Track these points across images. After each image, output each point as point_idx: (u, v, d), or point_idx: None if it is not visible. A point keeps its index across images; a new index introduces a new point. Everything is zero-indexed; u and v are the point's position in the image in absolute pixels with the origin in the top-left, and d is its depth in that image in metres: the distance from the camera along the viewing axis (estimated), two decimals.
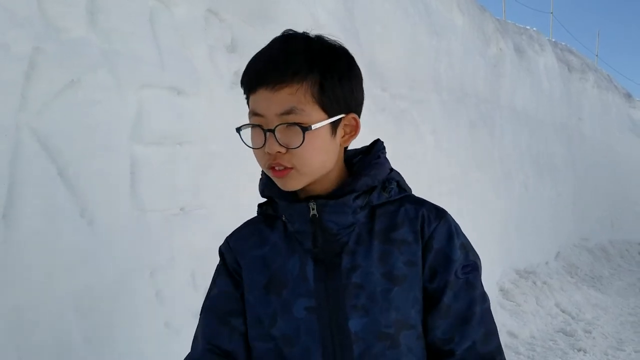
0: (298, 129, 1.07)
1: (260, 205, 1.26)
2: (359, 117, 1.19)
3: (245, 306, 1.20)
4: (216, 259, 1.28)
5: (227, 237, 1.28)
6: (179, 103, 2.68)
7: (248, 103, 1.15)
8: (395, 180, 1.21)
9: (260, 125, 1.10)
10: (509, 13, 25.94)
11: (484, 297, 1.19)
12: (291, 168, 1.10)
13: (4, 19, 1.89)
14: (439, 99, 6.29)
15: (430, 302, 1.17)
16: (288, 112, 1.08)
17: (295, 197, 1.18)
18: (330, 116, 1.11)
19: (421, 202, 1.22)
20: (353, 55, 1.21)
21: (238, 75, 3.10)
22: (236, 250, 1.24)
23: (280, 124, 1.08)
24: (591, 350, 5.72)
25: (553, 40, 13.70)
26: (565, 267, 9.89)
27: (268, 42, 1.19)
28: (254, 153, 1.14)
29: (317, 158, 1.12)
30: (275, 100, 1.08)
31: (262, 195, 1.24)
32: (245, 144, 1.15)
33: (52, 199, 2.07)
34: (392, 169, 1.23)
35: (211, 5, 2.94)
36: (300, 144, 1.07)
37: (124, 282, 2.31)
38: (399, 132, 4.86)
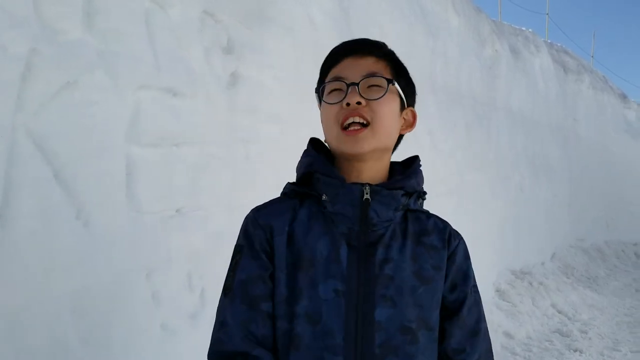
0: (382, 84, 1.20)
1: (292, 184, 1.28)
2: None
3: (275, 283, 1.19)
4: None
5: (252, 213, 1.26)
6: (176, 104, 2.67)
7: (323, 78, 1.28)
8: (425, 195, 1.30)
9: (340, 87, 1.20)
10: (504, 14, 26.04)
11: (484, 316, 1.28)
12: (366, 126, 1.17)
13: (0, 20, 1.89)
14: (435, 100, 6.29)
15: (449, 311, 1.23)
16: (372, 74, 1.20)
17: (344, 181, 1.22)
18: (399, 92, 1.24)
19: (446, 221, 1.32)
20: None
21: (234, 77, 3.13)
22: (267, 226, 1.22)
23: (364, 79, 1.19)
24: (587, 351, 5.75)
25: (549, 41, 13.74)
26: (561, 268, 9.93)
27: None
28: (325, 114, 1.22)
29: (389, 120, 1.21)
30: (362, 64, 1.21)
31: (305, 171, 1.26)
32: (325, 101, 1.24)
33: (48, 200, 2.06)
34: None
35: (207, 7, 2.94)
36: (382, 96, 1.19)
37: (120, 284, 2.31)
38: None
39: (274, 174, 2.83)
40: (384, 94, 1.18)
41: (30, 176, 2.00)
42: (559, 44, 14.01)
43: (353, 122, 1.17)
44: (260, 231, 1.22)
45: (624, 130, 15.62)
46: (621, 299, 8.87)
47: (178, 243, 2.64)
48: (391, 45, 1.30)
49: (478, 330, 1.24)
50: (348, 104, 1.16)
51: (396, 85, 1.21)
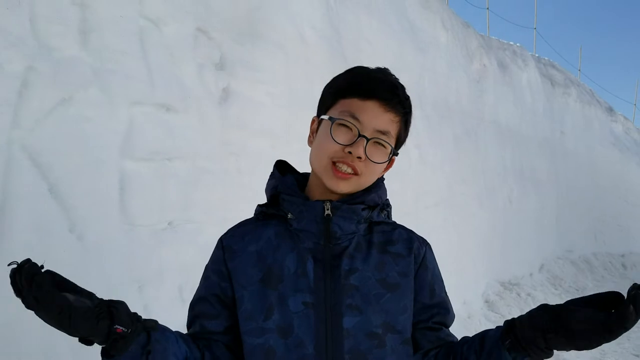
0: (387, 150, 1.25)
1: (260, 205, 1.34)
2: None
3: (237, 303, 1.25)
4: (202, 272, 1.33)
5: (220, 239, 1.33)
6: (169, 120, 2.73)
7: (335, 101, 1.28)
8: (389, 207, 1.35)
9: (352, 128, 1.22)
10: (492, 29, 26.26)
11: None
12: (355, 175, 1.23)
13: None
14: (423, 114, 6.35)
15: (430, 317, 1.30)
16: (384, 133, 1.23)
17: (306, 199, 1.28)
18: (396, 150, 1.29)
19: (410, 230, 1.35)
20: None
21: (226, 92, 3.19)
22: (228, 248, 1.29)
23: (374, 138, 1.22)
24: None
25: (536, 55, 13.83)
26: (550, 279, 9.97)
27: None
28: (324, 144, 1.25)
29: (376, 175, 1.29)
30: (382, 118, 1.23)
31: (272, 193, 1.32)
32: (331, 134, 1.24)
33: (43, 213, 2.11)
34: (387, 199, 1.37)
35: (200, 24, 3.00)
36: (381, 163, 1.25)
37: (113, 295, 2.32)
38: None
39: (264, 188, 2.87)
40: (384, 162, 1.25)
41: (25, 190, 2.05)
42: (546, 58, 14.11)
43: (344, 168, 1.22)
44: (220, 252, 1.30)
45: (611, 143, 15.70)
46: None
47: (170, 256, 2.68)
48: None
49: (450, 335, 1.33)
50: (350, 152, 1.20)
51: (394, 157, 1.29)
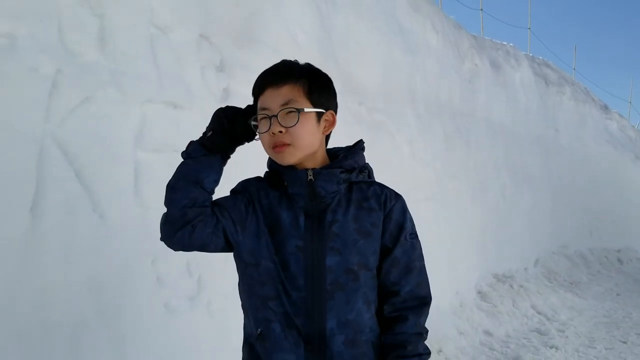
0: (295, 113, 1.53)
1: (267, 173, 1.70)
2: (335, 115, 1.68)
3: (248, 236, 1.60)
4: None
5: (244, 183, 1.70)
6: (176, 116, 3.08)
7: (256, 106, 1.61)
8: (368, 169, 1.70)
9: (266, 116, 1.57)
10: (487, 29, 26.36)
11: (422, 257, 1.67)
12: (288, 145, 1.54)
13: (33, 47, 2.31)
14: (414, 112, 6.61)
15: (387, 254, 1.63)
16: (287, 103, 1.54)
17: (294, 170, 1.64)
18: (317, 110, 1.59)
19: (385, 186, 1.69)
20: (331, 72, 1.71)
21: (227, 92, 3.54)
22: (255, 193, 1.65)
23: (281, 110, 1.53)
24: (563, 348, 5.95)
25: (530, 55, 13.97)
26: (544, 273, 10.07)
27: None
28: (262, 140, 1.60)
29: (307, 137, 1.57)
30: (278, 95, 1.55)
31: (269, 168, 1.68)
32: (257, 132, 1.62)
33: (71, 196, 2.47)
34: (367, 163, 1.71)
35: (202, 31, 3.36)
36: (295, 123, 1.53)
37: (129, 268, 2.69)
38: (375, 142, 5.17)
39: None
40: (297, 122, 1.53)
41: (56, 175, 2.41)
42: (540, 58, 14.25)
43: (276, 146, 1.57)
44: (246, 192, 1.66)
45: (605, 140, 15.77)
46: (601, 302, 9.02)
47: None
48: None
49: (412, 267, 1.62)
50: (273, 133, 1.56)
51: (306, 110, 1.58)
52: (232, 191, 1.70)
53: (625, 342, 6.58)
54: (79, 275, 2.46)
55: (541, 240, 10.70)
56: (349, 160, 1.64)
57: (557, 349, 5.93)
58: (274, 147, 1.56)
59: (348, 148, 1.70)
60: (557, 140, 12.79)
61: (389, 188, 1.69)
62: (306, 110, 1.56)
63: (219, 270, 2.91)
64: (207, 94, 3.34)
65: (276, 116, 1.54)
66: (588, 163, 14.18)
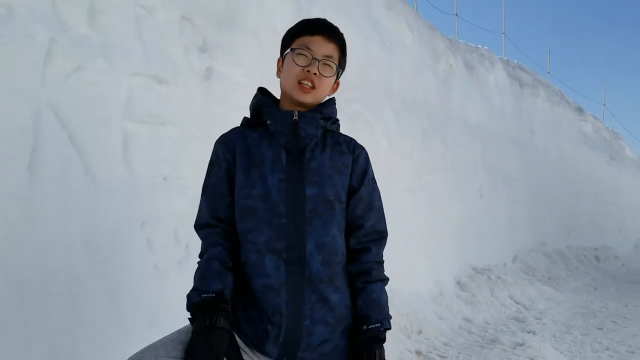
0: (332, 68, 1.79)
1: (246, 118, 1.89)
2: None
3: (235, 179, 1.79)
4: (194, 221, 1.84)
5: (220, 138, 1.87)
6: (161, 90, 3.26)
7: (292, 41, 1.81)
8: (338, 124, 1.92)
9: (307, 55, 1.76)
10: (462, 33, 26.71)
11: (380, 199, 1.91)
12: (314, 88, 1.76)
13: (29, 15, 2.49)
14: (392, 106, 6.80)
15: (353, 193, 1.84)
16: (330, 56, 1.78)
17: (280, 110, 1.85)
18: (338, 73, 1.84)
19: (352, 138, 1.91)
20: None
21: (210, 71, 3.74)
22: (230, 142, 1.83)
23: (324, 60, 1.77)
24: (540, 333, 6.09)
25: (505, 58, 14.26)
26: (523, 269, 10.16)
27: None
28: (290, 69, 1.78)
29: (327, 90, 1.83)
30: (326, 46, 1.78)
31: (255, 108, 1.87)
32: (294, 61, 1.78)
33: (64, 157, 2.64)
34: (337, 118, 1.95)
35: (185, 13, 3.55)
36: (330, 76, 1.79)
37: (120, 229, 2.85)
38: (353, 132, 5.29)
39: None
40: (331, 76, 1.79)
41: (50, 137, 2.58)
42: (515, 61, 14.54)
43: (306, 83, 1.78)
44: (223, 146, 1.84)
45: (581, 142, 16.02)
46: (579, 295, 9.18)
47: (165, 204, 3.18)
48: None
49: (374, 205, 1.85)
50: (308, 71, 1.77)
51: (339, 71, 1.86)
52: (210, 163, 1.87)
53: (601, 329, 6.75)
54: (74, 229, 2.62)
55: (519, 238, 10.82)
56: (327, 108, 1.86)
57: (534, 333, 6.01)
58: (301, 82, 1.76)
59: (325, 101, 1.91)
60: (533, 142, 13.00)
61: (355, 140, 1.92)
62: (338, 80, 1.85)
63: None
64: (191, 72, 3.53)
65: (319, 61, 1.75)
66: (564, 164, 14.41)
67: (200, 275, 1.71)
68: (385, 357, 1.76)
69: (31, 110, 2.49)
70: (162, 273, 3.01)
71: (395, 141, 6.69)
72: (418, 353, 5.12)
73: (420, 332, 5.52)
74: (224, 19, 3.86)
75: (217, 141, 1.87)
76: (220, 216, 1.79)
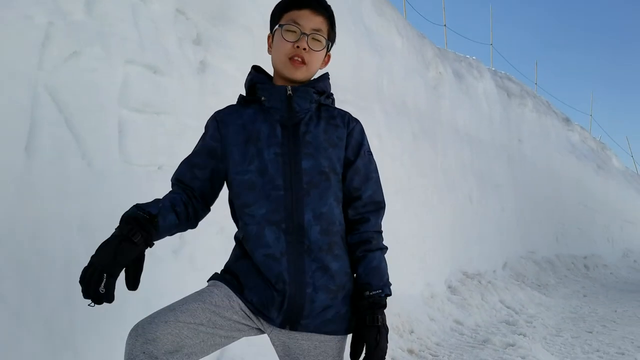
0: (321, 42, 1.81)
1: (241, 95, 1.92)
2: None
3: (228, 156, 1.82)
4: None
5: (214, 114, 1.92)
6: (156, 80, 3.28)
7: (280, 16, 1.83)
8: (332, 98, 1.95)
9: (295, 30, 1.78)
10: (450, 44, 27.06)
11: (377, 170, 1.93)
12: (304, 64, 1.78)
13: None
14: (382, 109, 6.85)
15: (350, 165, 1.87)
16: (319, 30, 1.80)
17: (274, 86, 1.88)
18: (329, 46, 1.88)
19: (347, 112, 1.94)
20: None
21: (203, 64, 3.77)
22: (220, 119, 1.88)
23: (312, 34, 1.79)
24: (531, 335, 6.14)
25: (493, 69, 14.41)
26: (513, 275, 10.25)
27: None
28: (280, 46, 1.81)
29: (318, 64, 1.85)
30: (314, 20, 1.80)
31: (249, 84, 1.90)
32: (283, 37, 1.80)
33: (61, 140, 2.66)
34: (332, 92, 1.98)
35: (179, 5, 3.59)
36: (321, 49, 1.81)
37: (115, 214, 2.82)
38: None
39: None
40: (321, 49, 1.83)
41: (47, 119, 2.60)
42: (502, 72, 14.71)
43: (296, 58, 1.80)
44: (214, 122, 1.89)
45: (568, 151, 16.18)
46: (568, 301, 9.29)
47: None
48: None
49: (370, 177, 1.87)
50: (298, 47, 1.79)
51: (329, 44, 1.89)
52: (202, 138, 1.92)
53: (590, 332, 6.85)
54: (69, 212, 2.63)
55: (509, 245, 10.88)
56: (320, 83, 1.88)
57: (525, 335, 6.08)
58: (293, 58, 1.79)
59: (319, 76, 1.94)
60: (521, 150, 13.11)
61: (350, 113, 1.95)
62: (329, 54, 1.88)
63: (202, 229, 3.07)
64: (185, 64, 3.56)
65: (308, 35, 1.78)
66: (552, 172, 14.53)
67: (148, 202, 1.79)
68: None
69: (29, 92, 2.51)
70: (158, 260, 3.01)
71: (386, 142, 6.74)
72: (410, 352, 5.15)
73: (412, 331, 5.56)
74: (218, 14, 3.91)
75: (211, 116, 1.92)
76: (185, 182, 1.87)
